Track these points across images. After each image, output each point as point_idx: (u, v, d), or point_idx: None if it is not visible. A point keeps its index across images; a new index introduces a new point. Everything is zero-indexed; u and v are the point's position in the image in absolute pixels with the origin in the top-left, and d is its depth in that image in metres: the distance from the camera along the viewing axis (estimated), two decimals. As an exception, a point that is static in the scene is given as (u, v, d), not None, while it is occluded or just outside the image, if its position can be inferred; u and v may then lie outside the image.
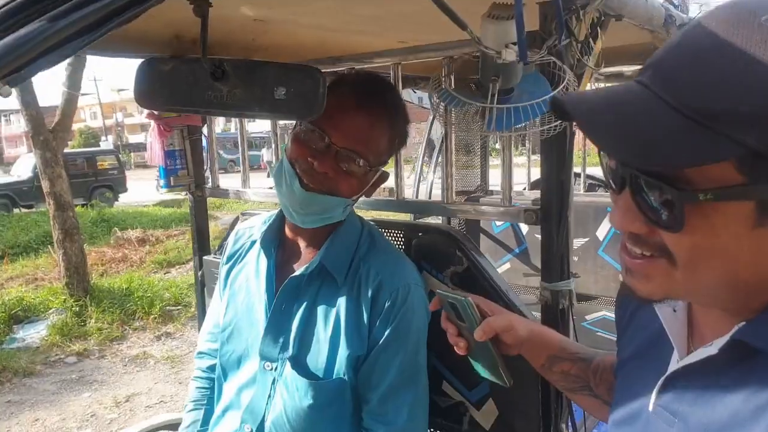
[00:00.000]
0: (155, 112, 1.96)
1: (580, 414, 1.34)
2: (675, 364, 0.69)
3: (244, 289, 1.30)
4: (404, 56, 1.49)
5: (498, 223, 3.08)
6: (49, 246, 7.56)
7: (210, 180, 2.03)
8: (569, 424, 1.26)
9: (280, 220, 1.31)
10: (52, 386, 4.52)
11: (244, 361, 1.26)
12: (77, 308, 5.81)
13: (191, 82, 1.10)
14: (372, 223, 1.35)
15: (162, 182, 2.04)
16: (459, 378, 1.38)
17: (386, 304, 1.17)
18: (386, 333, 1.17)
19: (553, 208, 1.15)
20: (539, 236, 1.19)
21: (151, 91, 1.15)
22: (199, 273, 2.05)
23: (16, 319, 5.78)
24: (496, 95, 1.03)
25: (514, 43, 0.97)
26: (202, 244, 2.07)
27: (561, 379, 1.03)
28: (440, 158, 3.00)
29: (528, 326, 1.03)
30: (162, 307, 5.99)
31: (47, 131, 5.92)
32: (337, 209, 1.20)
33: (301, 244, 1.27)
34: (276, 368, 1.20)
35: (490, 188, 3.16)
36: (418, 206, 1.71)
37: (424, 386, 1.24)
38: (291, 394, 1.18)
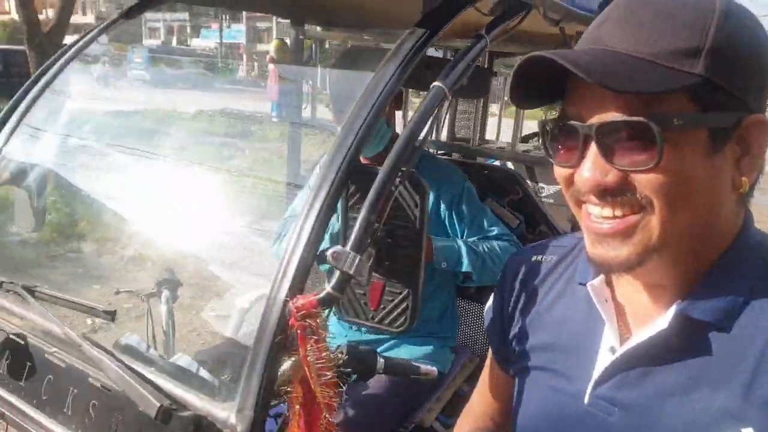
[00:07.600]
0: (275, 57, 2.63)
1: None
2: (609, 353, 0.70)
3: None
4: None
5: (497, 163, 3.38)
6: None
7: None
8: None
9: None
10: None
11: None
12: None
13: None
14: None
15: (274, 114, 2.80)
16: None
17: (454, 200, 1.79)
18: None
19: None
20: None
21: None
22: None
23: None
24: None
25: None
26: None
27: None
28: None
29: None
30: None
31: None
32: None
33: None
34: None
35: (487, 137, 3.55)
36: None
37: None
38: None
